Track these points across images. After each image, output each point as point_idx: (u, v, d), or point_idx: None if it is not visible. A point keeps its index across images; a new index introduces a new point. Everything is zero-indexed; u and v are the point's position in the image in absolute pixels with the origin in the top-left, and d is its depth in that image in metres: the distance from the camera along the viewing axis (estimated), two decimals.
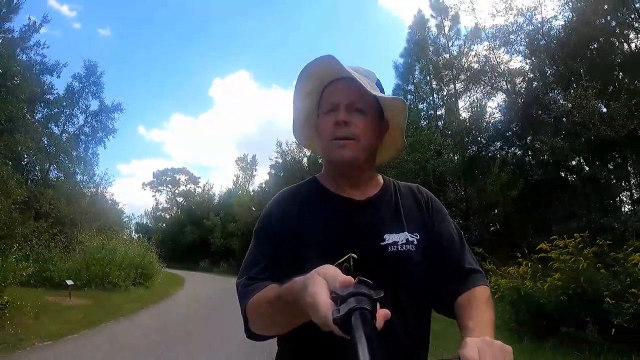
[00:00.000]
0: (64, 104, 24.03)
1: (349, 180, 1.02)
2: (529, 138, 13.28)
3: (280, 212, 1.00)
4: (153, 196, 54.07)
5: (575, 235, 5.38)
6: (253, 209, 32.19)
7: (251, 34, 73.55)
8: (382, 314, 0.55)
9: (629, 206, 11.96)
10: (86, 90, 25.88)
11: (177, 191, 52.12)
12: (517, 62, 16.78)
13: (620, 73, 12.35)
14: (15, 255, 8.16)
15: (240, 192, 41.02)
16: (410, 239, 0.98)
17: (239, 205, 33.95)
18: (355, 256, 0.92)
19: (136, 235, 33.66)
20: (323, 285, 0.60)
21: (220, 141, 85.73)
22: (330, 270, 0.63)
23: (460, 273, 0.99)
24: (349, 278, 0.58)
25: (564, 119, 9.87)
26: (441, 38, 21.53)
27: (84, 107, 25.82)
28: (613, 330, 4.74)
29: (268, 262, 0.94)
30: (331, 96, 0.99)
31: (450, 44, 21.09)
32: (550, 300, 5.37)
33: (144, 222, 51.77)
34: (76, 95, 25.35)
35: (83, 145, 25.57)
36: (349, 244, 0.93)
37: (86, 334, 6.68)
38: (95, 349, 5.82)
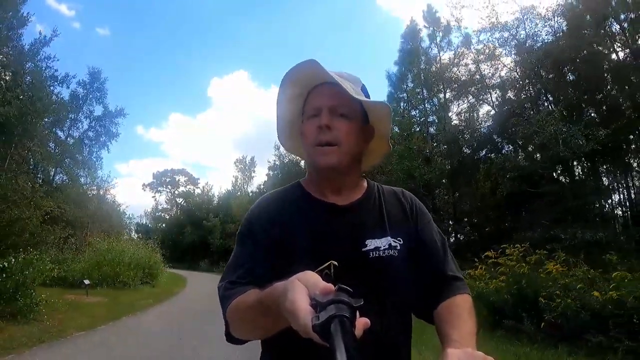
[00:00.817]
0: (69, 108, 24.97)
1: (332, 186, 1.03)
2: (503, 151, 14.43)
3: (264, 217, 1.01)
4: (153, 197, 55.07)
5: (517, 245, 6.57)
6: (250, 206, 33.14)
7: (249, 34, 74.58)
8: (362, 322, 0.55)
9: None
10: (90, 96, 27.03)
11: (176, 192, 53.23)
12: (500, 77, 18.04)
13: (608, 78, 13.39)
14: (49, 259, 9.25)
15: (239, 193, 42.03)
16: (393, 244, 0.98)
17: (238, 206, 34.82)
18: (336, 263, 0.92)
19: (136, 236, 34.70)
20: (303, 291, 0.60)
21: (219, 141, 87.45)
22: (311, 277, 0.63)
23: (442, 280, 1.00)
24: (329, 285, 0.57)
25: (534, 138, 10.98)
26: (433, 48, 22.58)
27: (87, 112, 26.98)
28: (542, 323, 5.89)
29: (250, 267, 0.95)
30: (315, 101, 1.00)
31: (441, 54, 22.15)
32: (499, 298, 6.53)
33: (144, 222, 52.77)
34: (80, 102, 26.46)
35: (87, 149, 26.74)
36: (330, 249, 0.93)
37: (112, 326, 7.82)
38: (123, 337, 6.98)
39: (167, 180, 53.76)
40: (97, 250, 15.08)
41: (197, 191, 51.84)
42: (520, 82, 16.41)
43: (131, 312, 9.50)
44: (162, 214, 53.29)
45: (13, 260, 6.95)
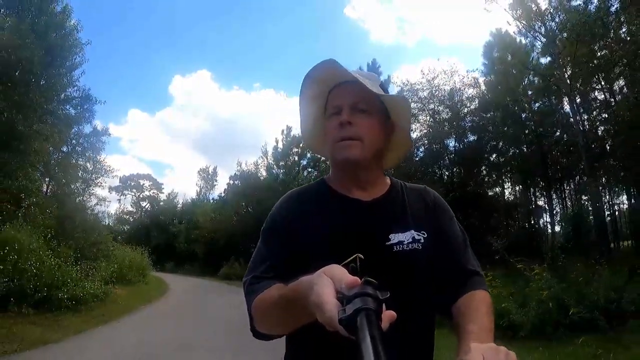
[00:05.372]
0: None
1: (355, 181, 1.06)
2: None
3: (287, 212, 1.04)
4: (118, 200, 57.49)
5: None
6: (212, 215, 37.08)
7: (216, 35, 75.80)
8: (388, 315, 0.56)
9: None
10: (80, 116, 30.74)
11: (141, 196, 56.46)
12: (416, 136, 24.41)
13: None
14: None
15: (203, 201, 46.03)
16: (417, 237, 1.01)
17: (202, 214, 38.07)
18: (362, 256, 0.93)
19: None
20: (329, 285, 0.61)
21: (178, 139, 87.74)
22: (337, 271, 0.64)
23: (462, 275, 1.03)
24: (355, 278, 0.58)
25: None
26: None
27: (76, 130, 30.67)
28: None
29: (274, 262, 0.97)
30: (335, 99, 1.04)
31: None
32: None
33: (107, 223, 55.09)
34: (71, 120, 30.12)
35: (74, 161, 30.41)
36: (354, 244, 0.95)
37: (155, 303, 13.11)
38: (165, 306, 12.39)
39: (133, 184, 56.80)
40: (105, 253, 19.73)
41: (162, 197, 55.45)
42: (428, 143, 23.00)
43: (154, 299, 14.66)
44: (127, 217, 56.11)
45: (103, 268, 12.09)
